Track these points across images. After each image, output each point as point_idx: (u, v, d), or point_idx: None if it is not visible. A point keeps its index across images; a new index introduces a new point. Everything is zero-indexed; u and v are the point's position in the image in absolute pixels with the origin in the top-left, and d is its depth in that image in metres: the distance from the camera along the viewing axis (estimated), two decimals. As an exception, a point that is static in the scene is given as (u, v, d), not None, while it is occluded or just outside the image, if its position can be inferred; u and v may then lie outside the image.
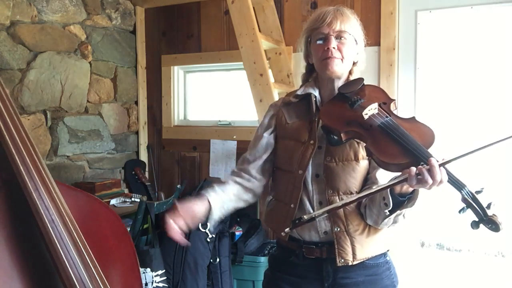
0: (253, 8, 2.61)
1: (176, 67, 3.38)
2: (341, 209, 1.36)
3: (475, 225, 1.16)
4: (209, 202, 1.45)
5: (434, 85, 2.55)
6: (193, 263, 2.64)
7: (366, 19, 2.63)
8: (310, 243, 1.42)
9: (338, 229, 1.38)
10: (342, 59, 1.40)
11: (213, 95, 3.36)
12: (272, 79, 2.63)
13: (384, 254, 1.46)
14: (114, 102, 3.32)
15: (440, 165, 1.14)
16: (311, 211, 1.38)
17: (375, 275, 1.42)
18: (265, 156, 1.53)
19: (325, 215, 1.33)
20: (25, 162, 0.89)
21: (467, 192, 1.16)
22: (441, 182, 1.14)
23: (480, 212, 1.14)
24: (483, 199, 1.15)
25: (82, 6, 3.03)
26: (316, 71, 1.49)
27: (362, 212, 1.38)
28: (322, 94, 1.49)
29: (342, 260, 1.37)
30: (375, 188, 1.25)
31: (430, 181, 1.14)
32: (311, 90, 1.48)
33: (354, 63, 1.47)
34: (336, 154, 1.38)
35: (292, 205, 1.42)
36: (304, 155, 1.41)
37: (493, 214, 1.13)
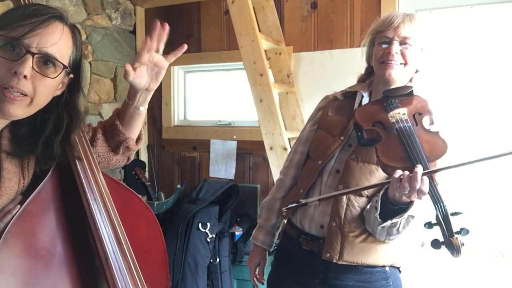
0: (253, 8, 2.61)
1: (176, 67, 3.38)
2: (344, 207, 1.37)
3: (435, 244, 1.11)
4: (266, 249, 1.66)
5: (434, 85, 2.55)
6: (193, 263, 2.64)
7: (366, 19, 2.63)
8: (308, 234, 1.43)
9: (334, 224, 1.37)
10: (404, 64, 1.38)
11: (213, 95, 3.36)
12: (272, 79, 2.63)
13: (383, 266, 1.41)
14: (114, 102, 3.32)
15: (423, 174, 1.12)
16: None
17: (367, 283, 1.39)
18: (302, 149, 1.57)
19: (315, 202, 1.35)
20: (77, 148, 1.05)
21: (441, 208, 1.12)
22: (420, 191, 1.12)
23: (446, 233, 1.10)
24: (455, 223, 1.10)
25: (82, 6, 3.03)
26: (375, 73, 1.47)
27: (365, 215, 1.37)
28: (373, 97, 1.48)
29: (328, 255, 1.37)
30: (363, 185, 1.26)
31: (407, 186, 1.12)
32: (359, 89, 1.49)
33: (416, 71, 1.45)
34: (360, 154, 1.38)
35: (301, 190, 1.45)
36: (329, 147, 1.43)
37: (457, 238, 1.09)
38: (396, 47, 1.36)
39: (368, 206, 1.35)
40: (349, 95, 1.51)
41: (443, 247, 1.10)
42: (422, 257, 2.56)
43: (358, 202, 1.37)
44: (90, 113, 3.15)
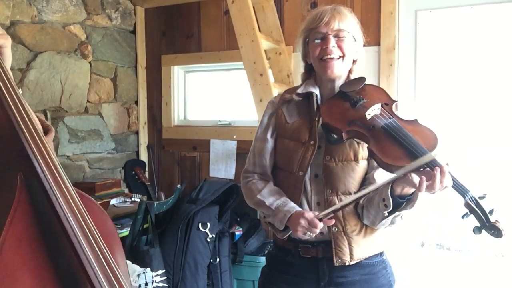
0: (253, 8, 2.61)
1: (176, 67, 3.38)
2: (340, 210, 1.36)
3: (477, 230, 1.19)
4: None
5: (434, 85, 2.55)
6: (193, 263, 2.64)
7: (366, 19, 2.63)
8: (306, 242, 1.41)
9: (336, 229, 1.37)
10: (342, 57, 1.39)
11: (213, 95, 3.36)
12: (272, 79, 2.63)
13: (380, 254, 1.47)
14: (114, 102, 3.32)
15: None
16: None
17: (371, 274, 1.43)
18: (269, 163, 1.51)
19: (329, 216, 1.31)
20: (39, 160, 0.92)
21: (470, 197, 1.18)
22: (446, 187, 1.17)
23: (483, 218, 1.17)
24: (485, 205, 1.17)
25: (82, 6, 3.03)
26: (315, 70, 1.47)
27: (359, 212, 1.38)
28: (322, 93, 1.47)
29: (340, 260, 1.37)
30: (372, 187, 1.25)
31: (438, 186, 1.15)
32: (312, 89, 1.46)
33: (353, 62, 1.46)
34: (336, 154, 1.37)
35: None
36: (304, 156, 1.40)
37: (496, 220, 1.16)
38: (332, 42, 1.37)
39: (363, 203, 1.36)
40: (302, 96, 1.48)
41: (484, 231, 1.19)
42: (422, 257, 2.56)
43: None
44: (90, 113, 3.15)
